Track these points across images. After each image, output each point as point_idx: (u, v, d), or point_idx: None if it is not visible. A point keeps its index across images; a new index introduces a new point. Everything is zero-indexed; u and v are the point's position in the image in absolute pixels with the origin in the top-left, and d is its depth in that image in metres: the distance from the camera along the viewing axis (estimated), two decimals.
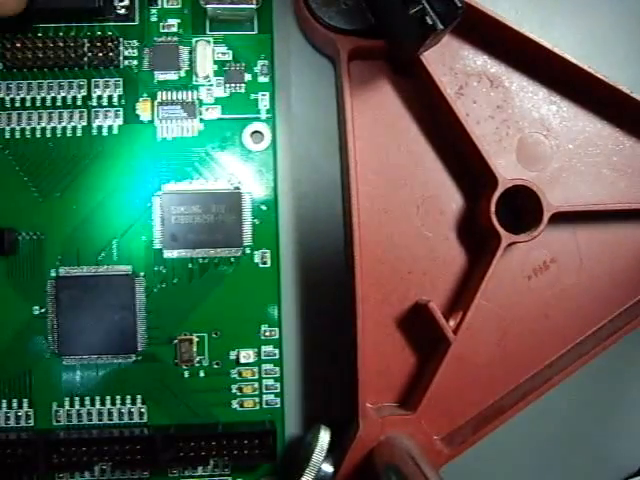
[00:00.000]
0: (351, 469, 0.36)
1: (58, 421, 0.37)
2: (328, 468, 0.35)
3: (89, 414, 0.37)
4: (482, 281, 0.36)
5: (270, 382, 0.38)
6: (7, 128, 0.37)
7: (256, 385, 0.38)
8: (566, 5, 0.40)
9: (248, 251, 0.38)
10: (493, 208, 0.36)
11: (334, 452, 0.36)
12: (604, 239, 0.39)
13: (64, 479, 0.37)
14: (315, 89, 0.39)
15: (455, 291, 0.38)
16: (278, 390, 0.38)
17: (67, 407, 0.37)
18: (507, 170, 0.37)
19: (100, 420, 0.37)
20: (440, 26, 0.32)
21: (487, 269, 0.36)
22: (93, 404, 0.37)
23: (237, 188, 0.38)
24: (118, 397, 0.37)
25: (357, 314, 0.35)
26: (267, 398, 0.38)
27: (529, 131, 0.38)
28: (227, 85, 0.38)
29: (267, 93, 0.38)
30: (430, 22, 0.32)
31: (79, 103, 0.38)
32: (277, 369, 0.38)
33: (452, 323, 0.37)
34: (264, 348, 0.38)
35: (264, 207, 0.38)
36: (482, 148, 0.36)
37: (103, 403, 0.37)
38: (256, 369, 0.38)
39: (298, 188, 0.39)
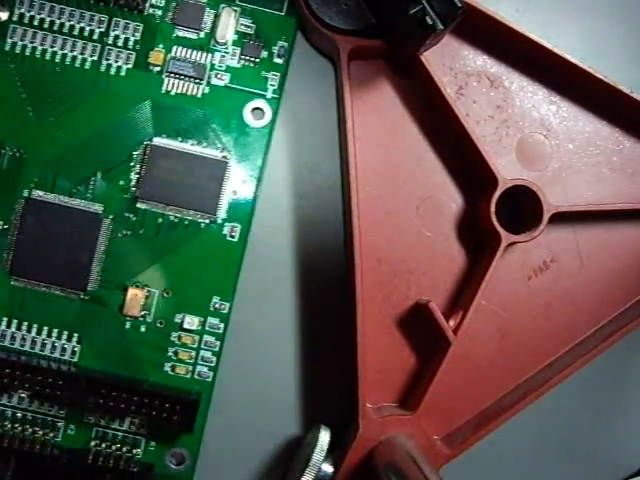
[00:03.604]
0: (351, 469, 0.36)
1: None
2: (328, 468, 0.35)
3: (23, 339, 0.37)
4: (482, 281, 0.36)
5: (208, 354, 0.37)
6: (19, 43, 0.37)
7: (193, 354, 0.37)
8: (566, 5, 0.40)
9: (219, 221, 0.37)
10: (493, 208, 0.36)
11: (334, 452, 0.36)
12: (604, 239, 0.39)
13: None
14: (315, 89, 0.39)
15: (455, 291, 0.38)
16: (214, 364, 0.37)
17: (3, 327, 0.37)
18: (507, 170, 0.37)
19: (32, 348, 0.37)
20: (440, 26, 0.32)
21: (487, 269, 0.36)
22: (30, 330, 0.37)
23: (225, 157, 0.38)
24: (55, 330, 0.37)
25: (357, 314, 0.35)
26: (200, 369, 0.37)
27: (529, 131, 0.38)
28: (242, 57, 0.38)
29: (278, 74, 0.38)
30: (430, 22, 0.32)
31: (95, 37, 0.37)
32: (218, 343, 0.37)
33: (452, 323, 0.37)
34: (210, 319, 0.37)
35: (246, 182, 0.38)
36: (482, 148, 0.36)
37: (39, 332, 0.37)
38: (197, 338, 0.37)
39: (298, 188, 0.39)
